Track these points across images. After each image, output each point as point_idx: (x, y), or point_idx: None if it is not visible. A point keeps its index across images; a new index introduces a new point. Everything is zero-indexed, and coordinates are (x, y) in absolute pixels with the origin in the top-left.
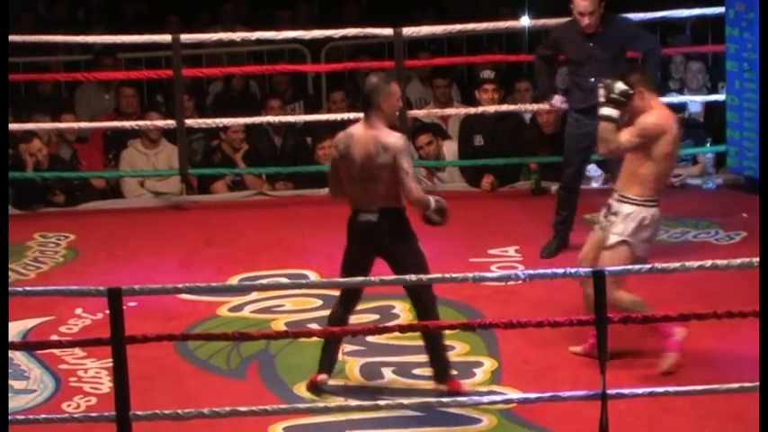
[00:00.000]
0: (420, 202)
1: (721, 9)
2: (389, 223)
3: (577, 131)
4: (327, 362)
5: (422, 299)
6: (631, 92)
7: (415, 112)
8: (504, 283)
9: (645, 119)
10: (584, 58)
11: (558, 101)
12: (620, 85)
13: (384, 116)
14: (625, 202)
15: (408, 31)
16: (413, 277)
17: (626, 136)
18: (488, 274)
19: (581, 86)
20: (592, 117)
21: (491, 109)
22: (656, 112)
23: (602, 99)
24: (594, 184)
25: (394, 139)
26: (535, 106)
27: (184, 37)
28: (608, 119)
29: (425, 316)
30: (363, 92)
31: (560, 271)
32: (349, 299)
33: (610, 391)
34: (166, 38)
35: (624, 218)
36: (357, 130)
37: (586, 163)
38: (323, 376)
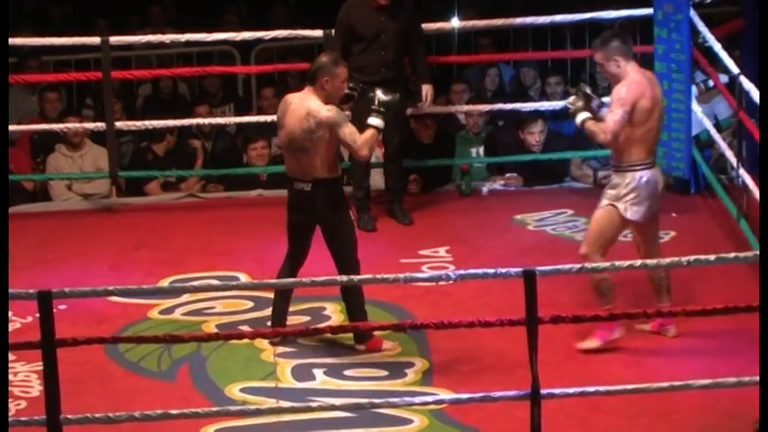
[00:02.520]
0: (371, 147)
1: (649, 10)
2: (322, 194)
3: (363, 100)
4: (278, 321)
5: (348, 267)
6: (584, 92)
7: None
8: (434, 284)
9: (617, 91)
10: (375, 33)
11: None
12: (571, 98)
13: (325, 95)
14: (615, 170)
15: None
16: (344, 278)
17: (611, 117)
18: (419, 275)
19: (371, 61)
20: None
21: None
22: (626, 81)
23: (570, 112)
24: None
25: (326, 112)
26: (467, 107)
27: (113, 39)
28: (586, 120)
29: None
30: (310, 68)
31: (491, 271)
32: (294, 262)
33: (541, 391)
34: (95, 40)
35: (611, 183)
36: (295, 99)
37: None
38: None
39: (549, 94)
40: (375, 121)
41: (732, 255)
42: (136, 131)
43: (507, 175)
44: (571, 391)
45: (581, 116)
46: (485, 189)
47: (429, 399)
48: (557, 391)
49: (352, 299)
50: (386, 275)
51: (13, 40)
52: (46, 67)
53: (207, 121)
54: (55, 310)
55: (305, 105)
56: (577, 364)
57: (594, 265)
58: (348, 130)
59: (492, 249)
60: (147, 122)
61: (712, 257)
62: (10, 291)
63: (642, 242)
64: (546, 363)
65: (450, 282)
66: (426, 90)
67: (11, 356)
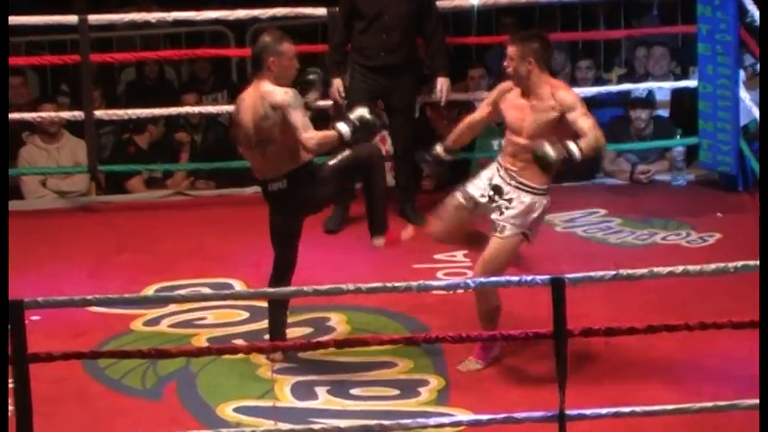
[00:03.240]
0: (323, 146)
1: None
2: (300, 185)
3: (362, 86)
4: (278, 336)
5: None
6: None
7: None
8: (451, 292)
9: (571, 97)
10: (376, 12)
11: (337, 85)
12: (546, 148)
13: (274, 77)
14: (524, 191)
15: None
16: (350, 287)
17: (590, 120)
18: (434, 283)
19: (371, 43)
20: (378, 74)
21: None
22: (565, 85)
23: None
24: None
25: (280, 95)
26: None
27: (93, 18)
28: (578, 147)
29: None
30: (252, 54)
31: (514, 278)
32: (283, 273)
33: (569, 412)
34: (72, 19)
35: (524, 208)
36: (247, 94)
37: None
38: (275, 354)
39: (579, 80)
40: (343, 127)
41: None
42: (117, 121)
43: None
44: (603, 411)
45: (573, 147)
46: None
47: (445, 420)
48: (587, 411)
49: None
50: (397, 283)
51: None
52: (17, 50)
53: (197, 109)
54: (27, 322)
55: (259, 92)
56: (611, 382)
57: (632, 271)
58: (300, 117)
59: None
60: (129, 111)
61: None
62: None
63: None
64: (576, 380)
65: (470, 290)
66: (441, 84)
67: None
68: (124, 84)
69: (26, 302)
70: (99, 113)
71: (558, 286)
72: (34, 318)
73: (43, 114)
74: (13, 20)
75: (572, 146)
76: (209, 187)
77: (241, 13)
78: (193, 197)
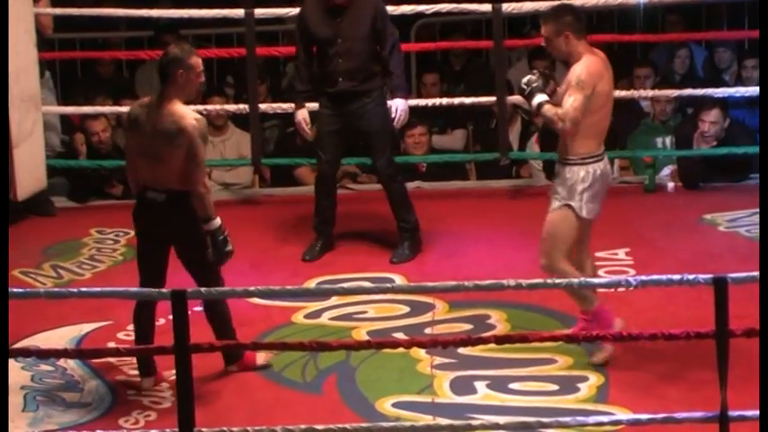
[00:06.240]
0: (202, 199)
1: None
2: (177, 206)
3: (329, 116)
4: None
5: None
6: (544, 73)
7: (515, 98)
8: (612, 290)
9: (575, 72)
10: (330, 37)
11: (302, 116)
12: (529, 78)
13: (181, 91)
14: (563, 164)
15: (509, 7)
16: (511, 282)
17: (570, 101)
18: (595, 280)
19: (330, 70)
20: (341, 102)
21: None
22: (584, 61)
23: (525, 94)
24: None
25: (192, 122)
26: (652, 93)
27: (259, 12)
28: (543, 104)
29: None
30: (160, 63)
31: (676, 277)
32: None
33: (731, 413)
34: (239, 12)
35: (562, 179)
36: (152, 102)
37: (343, 149)
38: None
39: (745, 79)
40: (539, 98)
41: None
42: (282, 115)
43: None
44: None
45: (538, 98)
46: (671, 184)
47: (604, 419)
48: (749, 413)
49: (220, 320)
50: (557, 280)
51: (149, 13)
52: (184, 43)
53: None
54: (190, 312)
55: (168, 109)
56: None
57: None
58: (200, 151)
59: (678, 252)
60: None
61: None
62: (141, 289)
63: (579, 242)
64: (738, 381)
65: (630, 288)
66: (395, 106)
67: None
68: (289, 77)
69: (189, 293)
70: (264, 107)
71: (720, 285)
72: (197, 309)
73: (209, 107)
74: (181, 13)
75: (540, 98)
76: (372, 182)
77: (406, 9)
78: (356, 191)
